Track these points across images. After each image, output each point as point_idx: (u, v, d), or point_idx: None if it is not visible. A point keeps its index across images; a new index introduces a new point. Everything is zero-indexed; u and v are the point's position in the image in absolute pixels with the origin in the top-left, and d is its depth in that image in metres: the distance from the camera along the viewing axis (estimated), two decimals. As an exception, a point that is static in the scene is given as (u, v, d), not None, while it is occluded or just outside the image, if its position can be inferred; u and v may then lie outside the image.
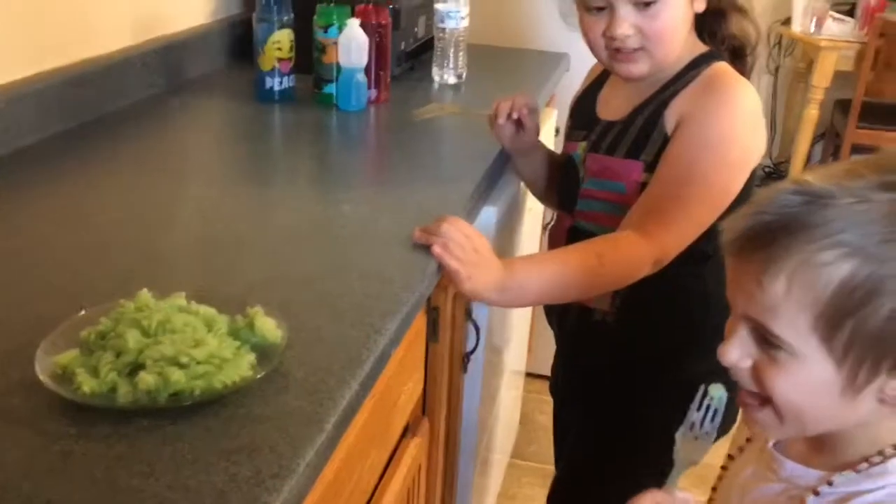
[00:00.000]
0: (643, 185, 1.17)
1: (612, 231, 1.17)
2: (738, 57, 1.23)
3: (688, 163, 1.13)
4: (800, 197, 0.69)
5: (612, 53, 1.18)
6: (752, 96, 1.16)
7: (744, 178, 1.15)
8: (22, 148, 1.32)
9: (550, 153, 1.44)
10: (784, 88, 4.06)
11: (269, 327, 0.81)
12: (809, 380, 0.71)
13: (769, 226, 0.70)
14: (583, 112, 1.32)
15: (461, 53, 1.85)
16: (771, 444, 0.81)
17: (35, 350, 0.77)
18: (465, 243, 1.03)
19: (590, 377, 1.35)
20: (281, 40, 1.63)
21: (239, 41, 1.93)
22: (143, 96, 1.62)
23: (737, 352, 0.74)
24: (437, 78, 1.88)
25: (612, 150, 1.22)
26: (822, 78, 3.42)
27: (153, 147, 1.44)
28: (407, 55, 1.91)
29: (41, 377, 0.73)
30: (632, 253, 1.12)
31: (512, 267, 1.08)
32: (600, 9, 1.15)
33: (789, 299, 0.68)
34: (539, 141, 1.39)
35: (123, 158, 1.36)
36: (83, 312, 0.82)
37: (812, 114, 3.53)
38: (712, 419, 0.87)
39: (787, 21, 3.68)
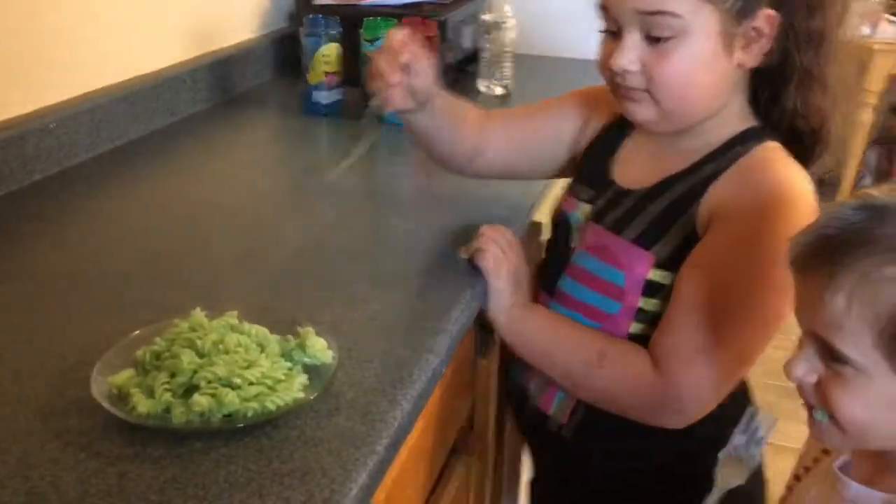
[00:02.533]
0: (649, 285, 0.94)
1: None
2: (798, 140, 0.95)
3: (726, 287, 0.89)
4: (862, 211, 0.67)
5: (615, 87, 0.96)
6: (806, 194, 0.91)
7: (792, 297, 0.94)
8: (73, 166, 1.34)
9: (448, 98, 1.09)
10: (836, 93, 3.98)
11: (320, 348, 0.81)
12: (874, 396, 0.69)
13: (831, 240, 0.68)
14: (596, 165, 1.06)
15: (507, 64, 1.84)
16: (837, 465, 0.79)
17: (90, 369, 0.77)
18: (504, 243, 1.03)
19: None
20: (329, 54, 1.64)
21: (287, 55, 1.94)
22: (192, 111, 1.64)
23: (803, 367, 0.73)
24: (483, 89, 1.87)
25: (619, 227, 0.97)
26: (876, 81, 3.34)
27: (202, 163, 1.46)
28: (453, 67, 1.90)
29: (97, 397, 0.73)
30: (639, 382, 0.92)
31: (530, 305, 1.04)
32: (613, 32, 0.94)
33: (851, 315, 0.67)
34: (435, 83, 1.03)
35: (173, 175, 1.38)
36: (137, 332, 0.83)
37: (866, 118, 3.44)
38: (758, 442, 0.85)
39: (838, 24, 3.61)
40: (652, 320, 0.95)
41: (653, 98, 0.92)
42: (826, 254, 0.68)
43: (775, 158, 0.93)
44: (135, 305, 0.94)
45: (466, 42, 1.97)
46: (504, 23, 1.80)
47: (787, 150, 0.94)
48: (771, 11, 0.89)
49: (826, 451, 0.83)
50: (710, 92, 0.92)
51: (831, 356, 0.70)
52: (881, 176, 3.78)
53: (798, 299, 0.73)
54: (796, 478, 0.86)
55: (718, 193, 0.92)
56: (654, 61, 0.90)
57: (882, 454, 0.75)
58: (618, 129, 1.05)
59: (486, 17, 1.82)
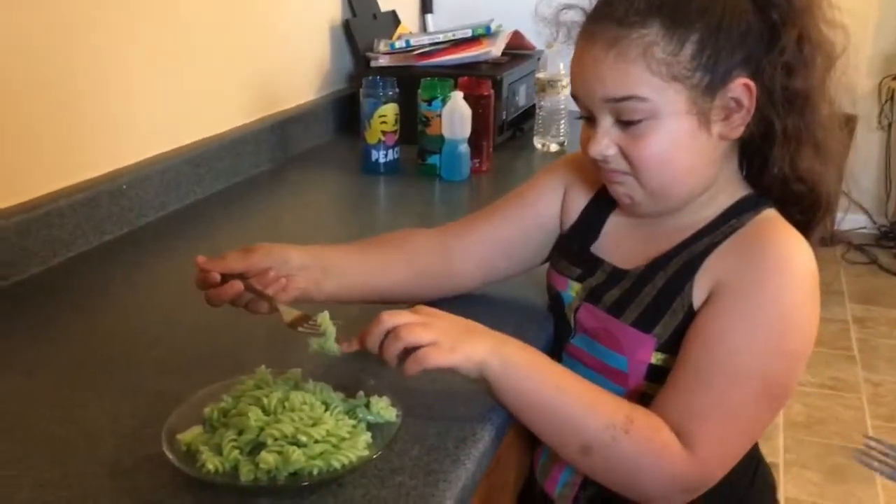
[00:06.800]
0: (652, 368, 0.90)
1: None
2: (796, 204, 0.92)
3: (733, 354, 0.84)
4: None
5: (599, 170, 0.93)
6: (809, 260, 0.86)
7: (801, 371, 0.88)
8: (143, 225, 1.38)
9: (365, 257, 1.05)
10: (897, 143, 3.91)
11: (384, 406, 0.81)
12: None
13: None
14: (581, 242, 1.01)
15: (562, 121, 1.86)
16: None
17: (160, 427, 0.79)
18: (411, 318, 0.84)
19: None
20: (386, 114, 1.67)
21: (346, 115, 1.99)
22: (255, 172, 1.69)
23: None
24: (539, 146, 1.89)
25: (618, 311, 0.93)
26: None
27: (264, 222, 1.49)
28: (509, 124, 1.92)
29: (168, 454, 0.75)
30: (665, 454, 0.83)
31: (527, 347, 0.87)
32: (589, 118, 0.91)
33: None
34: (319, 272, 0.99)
35: (235, 232, 1.41)
36: (205, 389, 0.84)
37: None
38: None
39: (898, 75, 3.56)
40: None
41: (637, 179, 0.90)
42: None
43: (773, 227, 0.89)
44: (203, 362, 0.96)
45: (522, 100, 2.00)
46: (559, 80, 1.82)
47: (786, 216, 0.91)
48: (747, 80, 0.85)
49: None
50: (693, 169, 0.89)
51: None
52: None
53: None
54: None
55: (716, 266, 0.88)
56: (631, 144, 0.87)
57: None
58: (601, 204, 1.01)
59: (541, 75, 1.84)
